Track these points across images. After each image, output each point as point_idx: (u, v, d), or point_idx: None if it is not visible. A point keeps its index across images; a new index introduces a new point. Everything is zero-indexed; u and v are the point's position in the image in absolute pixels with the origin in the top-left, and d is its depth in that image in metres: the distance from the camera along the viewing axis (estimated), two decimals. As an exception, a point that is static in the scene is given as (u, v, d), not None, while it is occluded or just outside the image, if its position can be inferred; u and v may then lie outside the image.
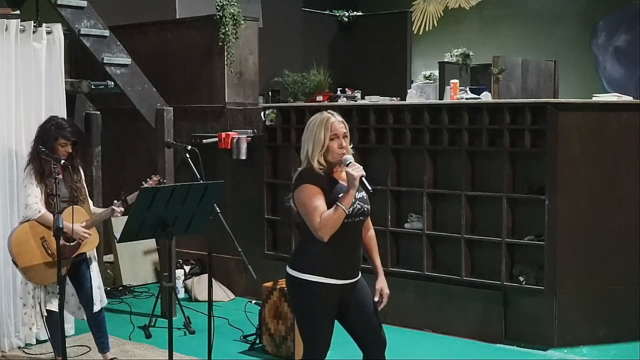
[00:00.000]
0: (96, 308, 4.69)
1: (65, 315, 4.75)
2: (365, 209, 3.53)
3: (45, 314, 4.70)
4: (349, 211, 3.37)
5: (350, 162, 3.39)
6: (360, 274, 3.61)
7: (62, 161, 4.42)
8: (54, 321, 4.67)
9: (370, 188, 3.46)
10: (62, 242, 4.29)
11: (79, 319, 5.02)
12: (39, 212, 4.49)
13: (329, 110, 3.55)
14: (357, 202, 3.45)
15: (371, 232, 3.76)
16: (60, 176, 4.52)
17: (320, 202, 3.37)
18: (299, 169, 3.52)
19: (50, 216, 4.46)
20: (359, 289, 3.59)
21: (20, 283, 4.94)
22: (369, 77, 8.89)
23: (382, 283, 3.69)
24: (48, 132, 4.60)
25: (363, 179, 3.38)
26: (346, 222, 3.39)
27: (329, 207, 3.36)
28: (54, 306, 4.65)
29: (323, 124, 3.43)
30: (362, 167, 3.40)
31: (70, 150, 4.62)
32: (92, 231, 4.64)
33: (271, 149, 6.63)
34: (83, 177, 4.80)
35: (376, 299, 3.65)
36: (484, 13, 11.22)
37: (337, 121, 3.46)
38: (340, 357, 4.44)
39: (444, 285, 5.76)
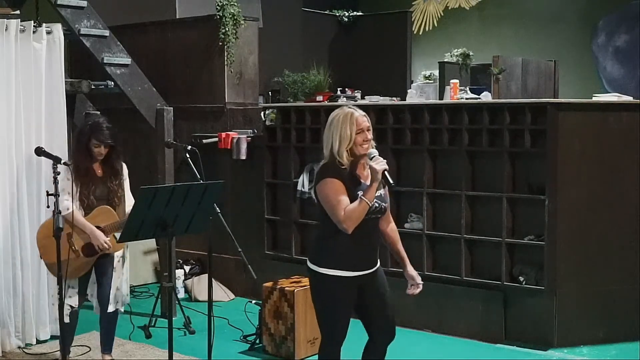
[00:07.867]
0: (110, 309, 4.74)
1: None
2: (383, 207, 3.63)
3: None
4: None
5: (374, 156, 3.50)
6: (378, 263, 3.73)
7: (62, 161, 4.42)
8: (71, 316, 4.70)
9: (392, 182, 3.55)
10: (84, 242, 4.53)
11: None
12: (67, 209, 4.51)
13: (349, 106, 3.64)
14: (376, 200, 3.53)
15: (392, 225, 3.88)
16: (60, 177, 4.51)
17: (343, 195, 3.46)
18: (322, 162, 3.59)
19: (77, 214, 4.53)
20: (377, 277, 3.72)
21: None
22: (369, 77, 8.88)
23: (412, 272, 3.83)
24: (83, 131, 4.68)
25: (385, 172, 3.47)
26: (365, 219, 3.47)
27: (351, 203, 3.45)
28: (72, 301, 4.68)
29: (348, 119, 3.53)
30: (385, 161, 3.48)
31: (104, 152, 4.64)
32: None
33: (271, 149, 6.62)
34: (126, 179, 4.79)
35: (410, 291, 3.80)
36: (484, 13, 11.21)
37: (361, 115, 3.57)
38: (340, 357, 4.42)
39: (444, 285, 5.75)
